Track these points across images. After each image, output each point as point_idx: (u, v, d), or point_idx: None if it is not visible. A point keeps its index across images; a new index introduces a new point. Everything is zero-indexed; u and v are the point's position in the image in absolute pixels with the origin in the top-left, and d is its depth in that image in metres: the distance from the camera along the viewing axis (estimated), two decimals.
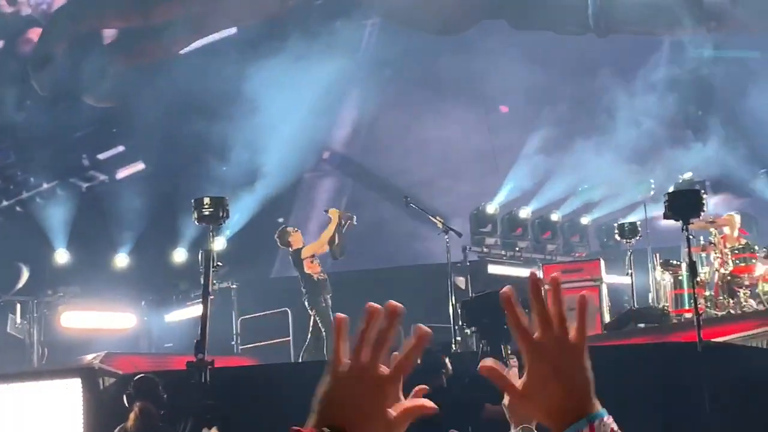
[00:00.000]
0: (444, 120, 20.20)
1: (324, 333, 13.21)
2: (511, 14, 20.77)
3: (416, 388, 2.47)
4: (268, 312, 16.48)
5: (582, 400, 1.55)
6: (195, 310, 16.83)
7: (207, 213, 9.18)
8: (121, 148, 20.69)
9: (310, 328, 13.35)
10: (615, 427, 1.54)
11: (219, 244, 14.41)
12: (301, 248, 13.55)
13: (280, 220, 21.19)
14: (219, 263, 8.98)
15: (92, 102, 19.96)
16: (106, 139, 20.66)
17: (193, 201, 9.38)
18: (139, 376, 9.08)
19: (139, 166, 20.49)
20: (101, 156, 20.68)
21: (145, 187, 19.39)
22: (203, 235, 17.58)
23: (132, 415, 8.46)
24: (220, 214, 9.19)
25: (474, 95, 20.69)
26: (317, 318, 13.28)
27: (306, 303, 13.50)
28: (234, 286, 16.72)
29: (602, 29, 20.11)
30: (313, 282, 13.39)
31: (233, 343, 16.05)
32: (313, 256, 13.50)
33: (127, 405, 8.55)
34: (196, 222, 9.31)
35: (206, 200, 9.26)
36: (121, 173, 20.62)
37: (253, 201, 18.97)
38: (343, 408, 1.50)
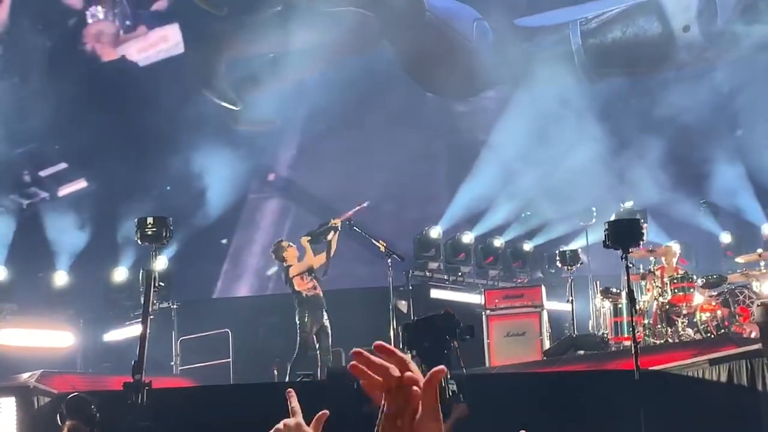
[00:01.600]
0: (390, 144, 20.26)
1: (297, 349, 13.19)
2: None
3: (319, 414, 2.60)
4: (208, 333, 16.36)
5: None
6: (134, 330, 16.67)
7: (150, 233, 9.12)
8: (63, 165, 20.47)
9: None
10: None
11: (161, 263, 14.26)
12: (290, 266, 13.49)
13: (224, 241, 21.11)
14: (161, 283, 8.90)
15: None
16: (49, 155, 20.43)
17: (136, 220, 9.31)
18: (71, 395, 8.97)
19: (81, 183, 20.29)
20: (43, 173, 20.44)
21: (86, 205, 19.19)
22: (144, 255, 17.48)
23: None
24: (164, 234, 9.13)
25: (421, 121, 20.80)
26: (298, 332, 13.26)
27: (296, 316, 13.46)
28: (174, 306, 16.59)
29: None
30: (301, 299, 13.33)
31: (172, 363, 15.89)
32: (303, 273, 13.41)
33: (60, 424, 8.44)
34: (138, 242, 9.22)
35: (149, 220, 9.20)
36: (63, 190, 20.38)
37: (196, 221, 18.87)
38: None
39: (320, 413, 2.72)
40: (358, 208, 13.89)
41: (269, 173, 21.95)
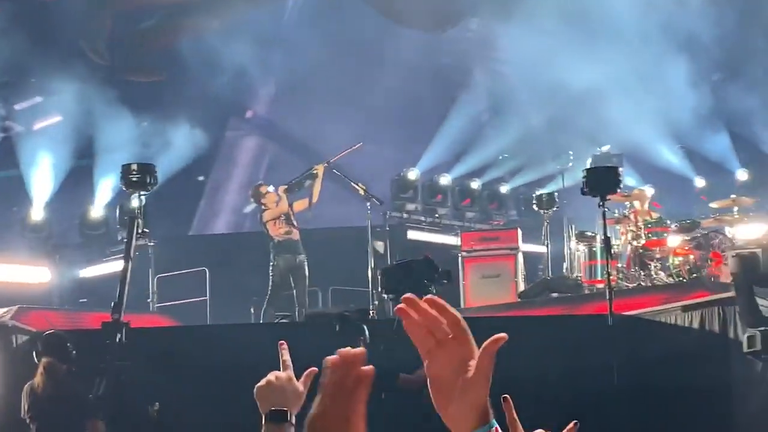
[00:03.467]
0: (369, 85, 20.18)
1: (268, 293, 13.31)
2: None
3: (308, 370, 2.66)
4: (185, 271, 16.40)
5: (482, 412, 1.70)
6: (110, 267, 16.67)
7: (135, 179, 9.19)
8: (38, 99, 20.21)
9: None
10: None
11: (136, 201, 14.25)
12: (266, 210, 13.57)
13: (200, 178, 21.05)
14: (145, 230, 8.93)
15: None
16: (24, 88, 20.16)
17: (121, 167, 9.37)
18: (47, 332, 9.02)
19: (56, 117, 20.03)
20: (18, 106, 20.19)
21: (62, 140, 18.99)
22: (121, 191, 17.45)
23: (38, 372, 8.42)
24: (148, 180, 9.18)
25: (398, 61, 20.68)
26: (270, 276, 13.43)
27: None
28: (151, 244, 16.57)
29: None
30: (274, 243, 13.53)
31: (149, 301, 15.93)
32: (276, 218, 13.48)
33: (36, 361, 8.51)
34: (123, 188, 9.26)
35: (134, 166, 9.28)
36: (38, 124, 20.14)
37: (174, 158, 18.77)
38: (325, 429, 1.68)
39: (309, 370, 2.77)
40: (352, 149, 13.90)
41: (248, 110, 21.81)
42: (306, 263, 13.48)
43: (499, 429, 1.69)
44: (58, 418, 8.41)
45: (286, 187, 13.65)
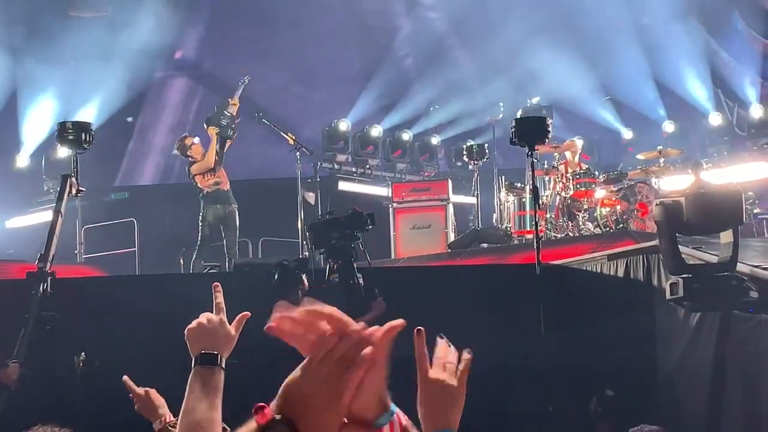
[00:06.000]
0: (299, 27, 20.00)
1: (198, 245, 13.18)
2: None
3: (240, 314, 2.65)
4: (113, 222, 16.21)
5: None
6: (37, 217, 16.43)
7: (71, 137, 9.07)
8: None
9: None
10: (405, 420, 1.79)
11: (63, 151, 14.02)
12: (193, 163, 13.35)
13: (129, 119, 20.69)
14: (82, 189, 8.80)
15: None
16: None
17: (57, 125, 9.34)
18: None
19: None
20: None
21: None
22: (47, 141, 17.12)
23: None
24: (84, 138, 9.06)
25: (332, 3, 20.49)
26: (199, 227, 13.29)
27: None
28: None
29: None
30: (202, 195, 13.35)
31: (76, 252, 15.73)
32: (204, 172, 13.29)
33: None
34: (59, 145, 9.10)
35: (69, 125, 9.18)
36: None
37: (100, 99, 18.37)
38: (303, 403, 1.56)
39: (242, 314, 2.75)
40: (241, 85, 13.81)
41: (176, 51, 21.41)
42: (237, 213, 13.35)
43: (400, 414, 1.69)
44: None
45: (216, 128, 13.38)
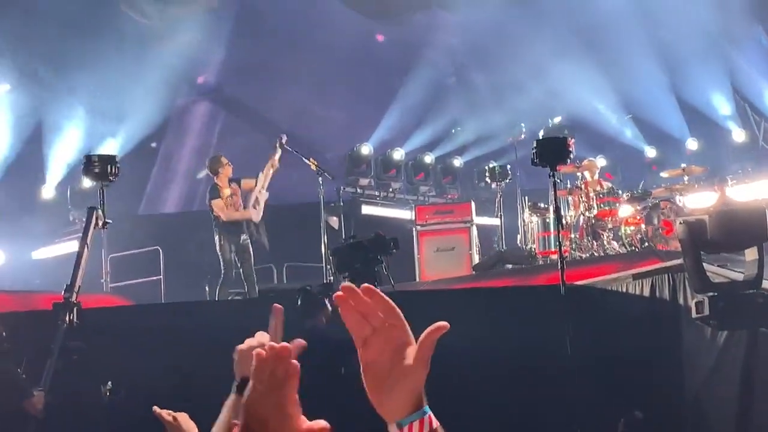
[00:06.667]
0: (319, 51, 20.08)
1: (222, 273, 13.07)
2: None
3: (296, 341, 2.43)
4: (138, 250, 16.29)
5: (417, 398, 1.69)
6: (63, 248, 16.55)
7: (96, 170, 9.16)
8: None
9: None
10: (436, 423, 1.70)
11: (87, 182, 14.11)
12: (217, 190, 13.27)
13: (153, 144, 20.80)
14: (108, 221, 8.86)
15: None
16: None
17: (83, 158, 9.44)
18: None
19: (5, 87, 19.46)
20: None
21: (10, 112, 18.55)
22: (73, 171, 17.27)
23: None
24: (110, 170, 9.16)
25: (353, 23, 20.56)
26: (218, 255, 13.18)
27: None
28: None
29: None
30: (217, 222, 13.17)
31: (102, 281, 15.81)
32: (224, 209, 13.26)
33: None
34: (87, 182, 9.18)
35: (94, 158, 9.31)
36: None
37: (125, 125, 18.50)
38: (259, 420, 1.67)
39: (298, 341, 2.51)
40: (278, 144, 13.64)
41: (198, 76, 21.52)
42: (250, 242, 13.25)
43: (432, 416, 1.69)
44: None
45: (251, 184, 13.36)
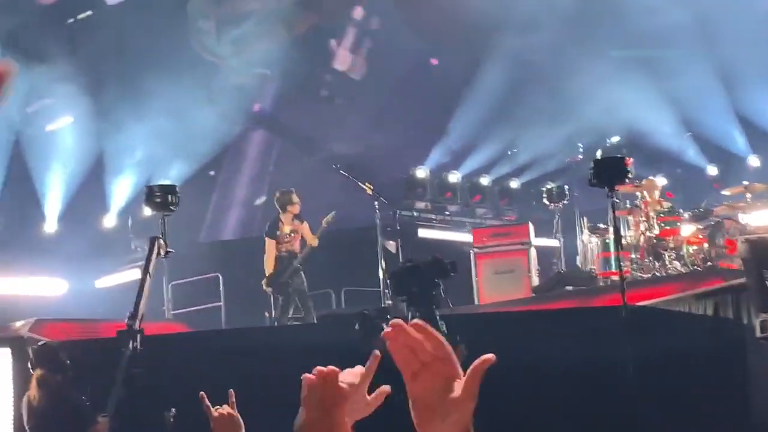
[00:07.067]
0: (372, 75, 20.15)
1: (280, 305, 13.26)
2: None
3: (381, 389, 2.05)
4: (199, 277, 16.44)
5: None
6: (125, 276, 16.76)
7: (158, 200, 9.29)
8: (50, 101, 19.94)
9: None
10: None
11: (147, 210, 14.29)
12: (277, 227, 13.48)
13: (211, 172, 21.00)
14: (170, 250, 8.97)
15: None
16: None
17: (145, 188, 9.61)
18: (40, 343, 9.05)
19: (68, 119, 19.72)
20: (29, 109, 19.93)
21: (73, 143, 18.81)
22: (134, 200, 17.50)
23: (32, 384, 8.45)
24: (170, 200, 9.28)
25: (408, 47, 20.59)
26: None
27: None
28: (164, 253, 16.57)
29: None
30: (277, 259, 13.46)
31: (164, 308, 15.99)
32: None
33: (31, 372, 8.55)
34: (148, 211, 9.33)
35: (155, 188, 9.43)
36: (50, 126, 19.80)
37: (185, 154, 18.69)
38: None
39: (383, 389, 2.09)
40: (325, 224, 13.73)
41: (255, 104, 21.69)
42: (302, 272, 13.44)
43: None
44: (56, 428, 8.45)
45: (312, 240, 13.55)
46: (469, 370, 1.67)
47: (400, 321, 1.72)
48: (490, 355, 1.68)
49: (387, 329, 1.72)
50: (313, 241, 13.43)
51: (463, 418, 1.67)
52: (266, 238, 13.44)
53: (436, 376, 1.68)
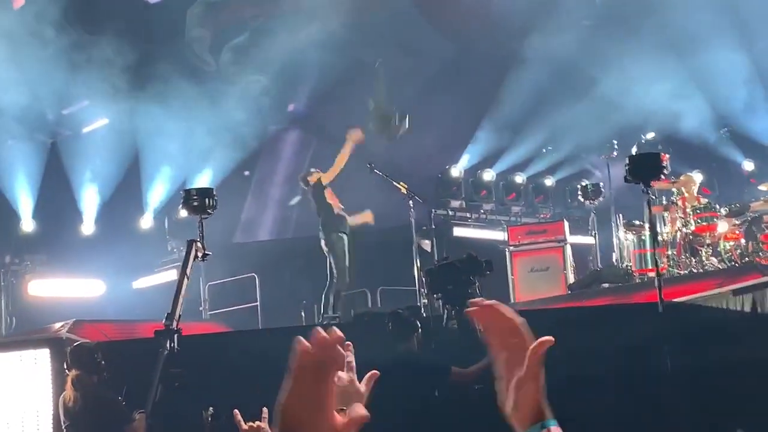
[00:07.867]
0: (405, 75, 20.09)
1: (335, 277, 13.02)
2: None
3: (370, 373, 2.45)
4: (235, 277, 16.53)
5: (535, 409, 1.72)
6: (162, 277, 16.89)
7: (195, 203, 9.35)
8: (85, 103, 20.04)
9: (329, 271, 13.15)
10: None
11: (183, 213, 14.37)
12: (320, 178, 13.42)
13: (246, 173, 21.06)
14: (208, 252, 9.02)
15: None
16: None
17: (182, 192, 9.72)
18: (75, 344, 9.13)
19: (103, 121, 19.80)
20: (65, 111, 20.06)
21: (108, 147, 18.93)
22: (170, 201, 17.61)
23: (67, 385, 8.53)
24: (208, 203, 9.34)
25: (440, 45, 20.54)
26: (331, 260, 13.11)
27: (322, 243, 13.21)
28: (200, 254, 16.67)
29: None
30: (330, 215, 13.23)
31: (201, 309, 16.09)
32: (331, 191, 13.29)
33: (67, 373, 8.64)
34: (184, 212, 9.40)
35: (193, 192, 9.50)
36: (86, 128, 19.90)
37: (220, 155, 18.77)
38: (296, 420, 1.61)
39: (371, 373, 2.45)
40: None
41: (289, 103, 21.68)
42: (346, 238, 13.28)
43: (559, 430, 1.70)
44: (92, 428, 8.53)
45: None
46: (528, 352, 1.70)
47: (480, 300, 1.77)
48: (548, 338, 1.70)
49: (471, 308, 1.75)
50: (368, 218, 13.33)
51: (530, 398, 1.69)
52: (325, 190, 13.34)
53: (515, 354, 1.71)
